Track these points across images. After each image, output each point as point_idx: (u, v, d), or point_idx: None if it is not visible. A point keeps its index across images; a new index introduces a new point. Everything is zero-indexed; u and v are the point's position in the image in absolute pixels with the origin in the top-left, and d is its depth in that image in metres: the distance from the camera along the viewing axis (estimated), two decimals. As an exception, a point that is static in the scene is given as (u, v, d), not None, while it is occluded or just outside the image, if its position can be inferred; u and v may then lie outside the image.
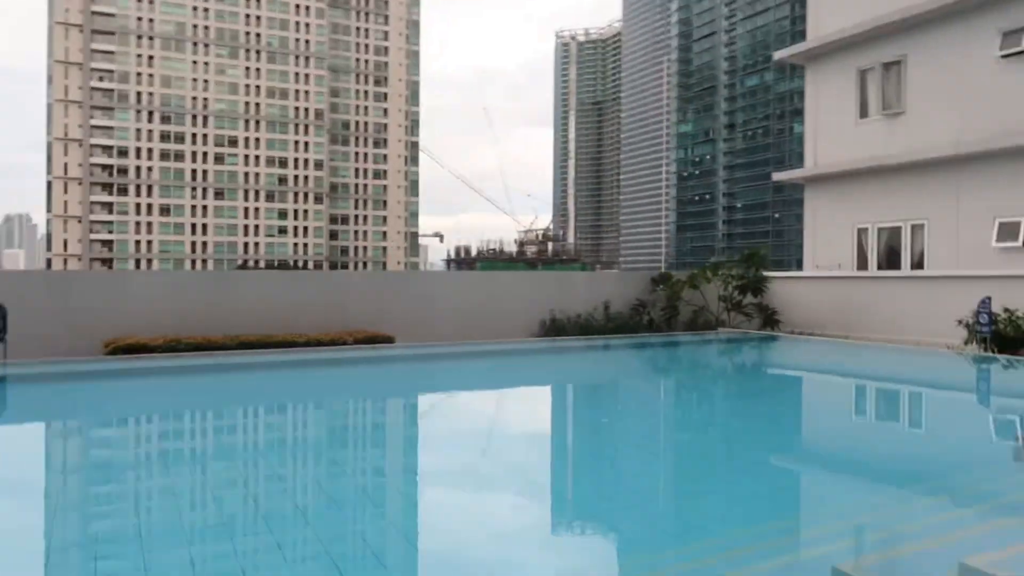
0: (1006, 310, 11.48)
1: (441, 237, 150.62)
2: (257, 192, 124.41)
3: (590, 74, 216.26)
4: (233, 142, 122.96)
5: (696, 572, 3.48)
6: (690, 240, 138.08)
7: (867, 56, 16.64)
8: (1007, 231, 13.96)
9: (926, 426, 7.72)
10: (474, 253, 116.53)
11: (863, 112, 16.88)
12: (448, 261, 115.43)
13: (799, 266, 18.73)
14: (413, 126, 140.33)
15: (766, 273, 16.13)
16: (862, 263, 16.80)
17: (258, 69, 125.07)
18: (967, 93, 14.71)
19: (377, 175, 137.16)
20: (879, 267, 16.36)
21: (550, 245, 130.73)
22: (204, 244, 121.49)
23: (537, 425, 7.68)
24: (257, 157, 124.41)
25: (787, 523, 4.28)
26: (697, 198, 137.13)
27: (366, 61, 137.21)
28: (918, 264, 15.58)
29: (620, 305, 16.01)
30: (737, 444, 6.54)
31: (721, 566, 3.48)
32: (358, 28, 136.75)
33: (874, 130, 16.56)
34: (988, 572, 2.83)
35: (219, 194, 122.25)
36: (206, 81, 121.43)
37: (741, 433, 7.07)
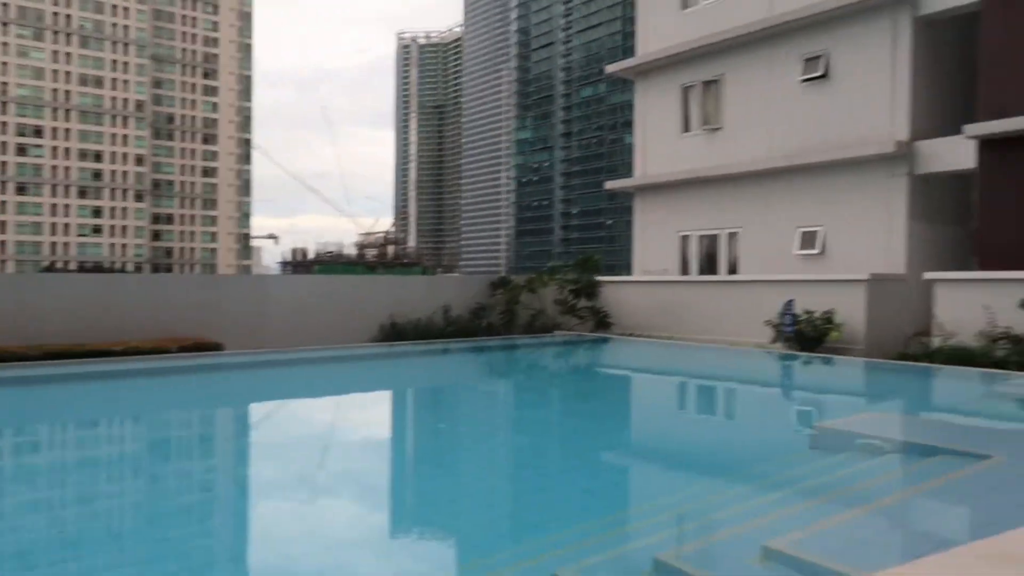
0: (807, 311, 12.64)
1: (276, 239, 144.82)
2: (67, 187, 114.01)
3: (431, 77, 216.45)
4: (38, 132, 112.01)
5: (529, 571, 3.56)
6: (529, 245, 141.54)
7: (689, 74, 17.82)
8: (807, 240, 15.41)
9: (735, 419, 8.37)
10: (311, 256, 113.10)
11: (686, 126, 18.05)
12: (283, 264, 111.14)
13: (631, 271, 19.70)
14: (245, 123, 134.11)
15: (598, 278, 16.83)
16: (685, 268, 17.95)
17: (68, 54, 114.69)
18: (775, 113, 16.10)
19: (206, 173, 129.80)
20: (700, 272, 17.54)
21: (391, 248, 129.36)
22: (3, 243, 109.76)
23: (373, 431, 7.58)
24: (67, 149, 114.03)
25: (615, 517, 4.49)
26: (536, 204, 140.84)
27: (193, 52, 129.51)
28: (733, 269, 16.85)
29: (460, 309, 16.12)
30: (569, 443, 6.78)
31: (552, 563, 3.58)
32: (184, 16, 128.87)
33: (695, 143, 17.75)
34: (788, 552, 3.10)
35: (21, 189, 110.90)
36: (5, 64, 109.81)
37: (573, 432, 7.34)
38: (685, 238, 17.99)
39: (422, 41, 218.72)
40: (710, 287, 15.28)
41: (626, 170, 20.38)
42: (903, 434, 6.33)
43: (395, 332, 14.73)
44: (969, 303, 11.03)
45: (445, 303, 15.81)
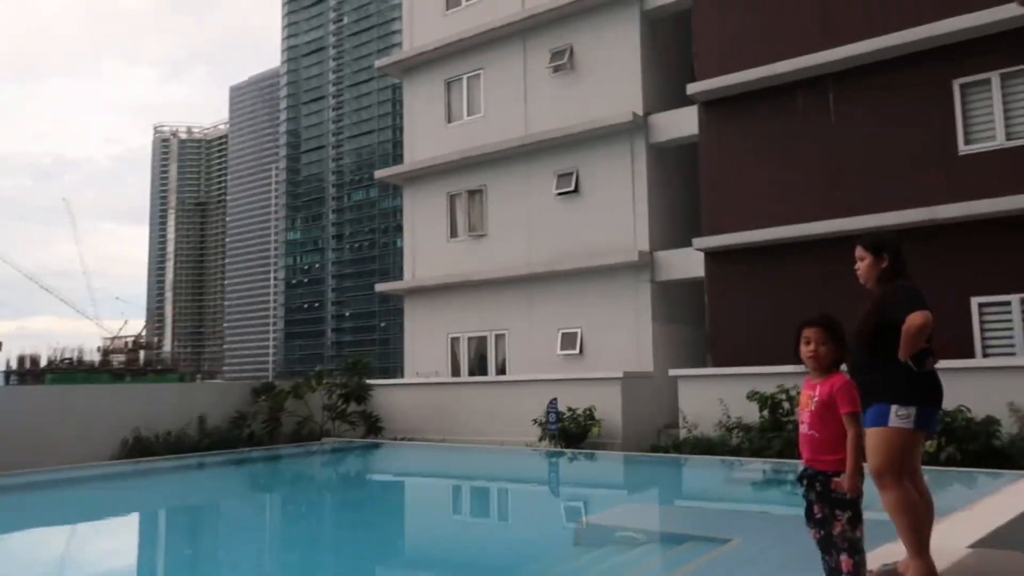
0: (570, 409, 13.24)
1: None
2: None
3: (193, 173, 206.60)
4: None
5: None
6: (299, 348, 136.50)
7: (455, 183, 18.62)
8: (568, 340, 16.34)
9: (502, 519, 8.41)
10: (44, 363, 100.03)
11: (453, 232, 18.70)
12: (7, 373, 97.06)
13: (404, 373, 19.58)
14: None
15: (369, 381, 16.52)
16: (456, 369, 18.18)
17: None
18: (534, 221, 17.21)
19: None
20: (471, 373, 17.85)
21: (142, 353, 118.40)
22: None
23: (105, 563, 6.60)
24: None
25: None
26: (306, 306, 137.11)
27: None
28: (501, 370, 17.36)
29: (218, 419, 14.95)
30: (333, 556, 6.36)
31: None
32: None
33: (463, 248, 18.40)
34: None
35: None
36: None
37: (338, 544, 6.92)
38: (455, 340, 18.32)
39: (183, 136, 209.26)
40: (479, 388, 15.56)
41: (398, 273, 20.58)
42: (657, 524, 6.70)
43: (140, 447, 13.27)
44: (707, 396, 12.19)
45: (201, 413, 14.59)
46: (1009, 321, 11.28)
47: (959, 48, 11.97)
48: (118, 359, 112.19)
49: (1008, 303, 11.31)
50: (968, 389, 9.67)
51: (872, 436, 3.63)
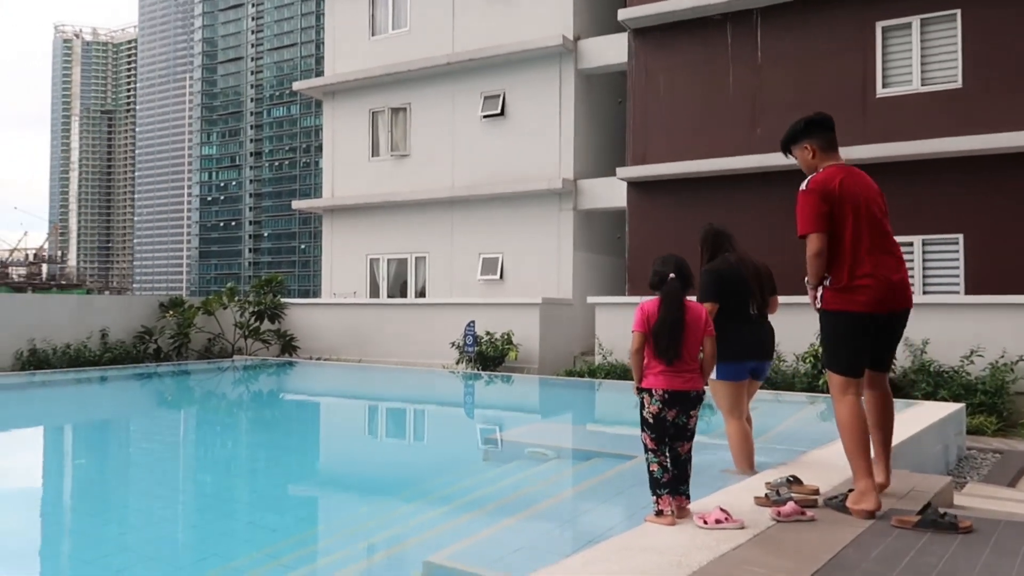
0: (488, 333, 13.29)
1: None
2: None
3: (99, 79, 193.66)
4: None
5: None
6: (215, 267, 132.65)
7: (378, 99, 17.99)
8: (489, 265, 16.29)
9: (415, 439, 8.43)
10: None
11: (375, 151, 18.16)
12: None
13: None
14: None
15: (284, 300, 16.15)
16: (375, 291, 17.95)
17: None
18: (459, 144, 16.86)
19: None
20: (390, 295, 17.66)
21: (44, 267, 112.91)
22: None
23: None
24: None
25: (275, 548, 4.15)
26: (222, 224, 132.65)
27: None
28: (421, 292, 17.23)
29: (121, 333, 14.40)
30: (238, 475, 6.24)
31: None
32: None
33: (384, 168, 17.92)
34: (447, 565, 3.06)
35: None
36: None
37: (243, 462, 6.79)
38: (374, 261, 18.02)
39: (88, 37, 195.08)
40: (398, 310, 15.42)
41: (319, 194, 19.96)
42: (567, 442, 6.81)
43: (35, 360, 12.67)
44: (623, 325, 12.41)
45: (102, 327, 14.01)
46: (911, 261, 11.79)
47: (885, -11, 12.09)
48: (18, 272, 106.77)
49: (911, 243, 11.80)
50: (867, 323, 10.10)
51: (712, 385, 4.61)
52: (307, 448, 7.76)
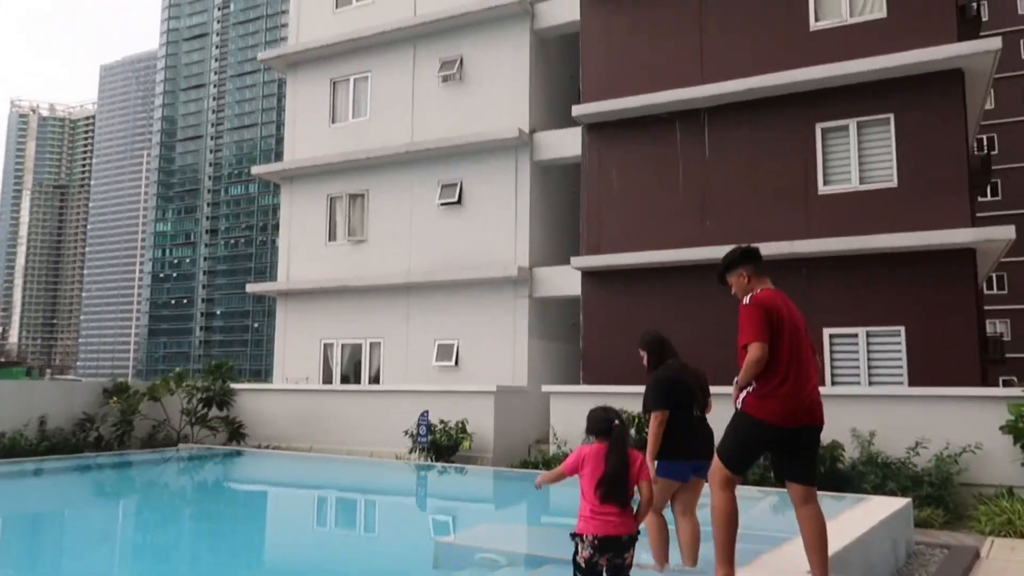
0: (442, 421, 13.11)
1: None
2: None
3: (54, 153, 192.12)
4: None
5: None
6: (164, 346, 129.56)
7: (337, 185, 18.16)
8: (444, 351, 16.22)
9: (363, 535, 8.19)
10: None
11: (332, 235, 18.21)
12: None
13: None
14: None
15: (233, 385, 15.79)
16: (328, 376, 17.67)
17: None
18: (416, 230, 17.01)
19: None
20: (344, 381, 17.40)
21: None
22: None
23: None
24: None
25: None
26: (173, 302, 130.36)
27: None
28: (375, 379, 17.02)
29: (62, 420, 13.85)
30: (182, 571, 5.97)
31: None
32: None
33: (341, 253, 17.94)
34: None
35: None
36: None
37: (186, 558, 6.50)
38: (328, 346, 17.82)
39: (44, 112, 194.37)
40: (350, 396, 15.18)
41: (275, 273, 19.84)
42: (518, 545, 6.68)
43: (-33, 451, 12.09)
44: (578, 413, 12.31)
45: (41, 414, 13.49)
46: (856, 352, 12.11)
47: (822, 95, 12.81)
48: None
49: (855, 335, 12.14)
50: (816, 414, 10.28)
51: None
52: (250, 543, 7.47)
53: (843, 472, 9.78)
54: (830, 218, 12.53)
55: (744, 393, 4.36)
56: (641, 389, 5.24)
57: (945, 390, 10.23)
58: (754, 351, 4.24)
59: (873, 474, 9.62)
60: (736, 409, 4.44)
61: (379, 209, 17.57)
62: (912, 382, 11.55)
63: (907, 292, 11.91)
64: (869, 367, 12.06)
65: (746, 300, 4.42)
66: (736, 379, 4.40)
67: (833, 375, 12.21)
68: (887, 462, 9.82)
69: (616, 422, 3.83)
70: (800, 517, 4.40)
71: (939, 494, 9.29)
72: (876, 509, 7.05)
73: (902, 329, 11.87)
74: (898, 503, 7.55)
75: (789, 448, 4.34)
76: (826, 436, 9.85)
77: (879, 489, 9.29)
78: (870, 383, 11.93)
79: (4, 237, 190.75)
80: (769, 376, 4.26)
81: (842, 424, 10.25)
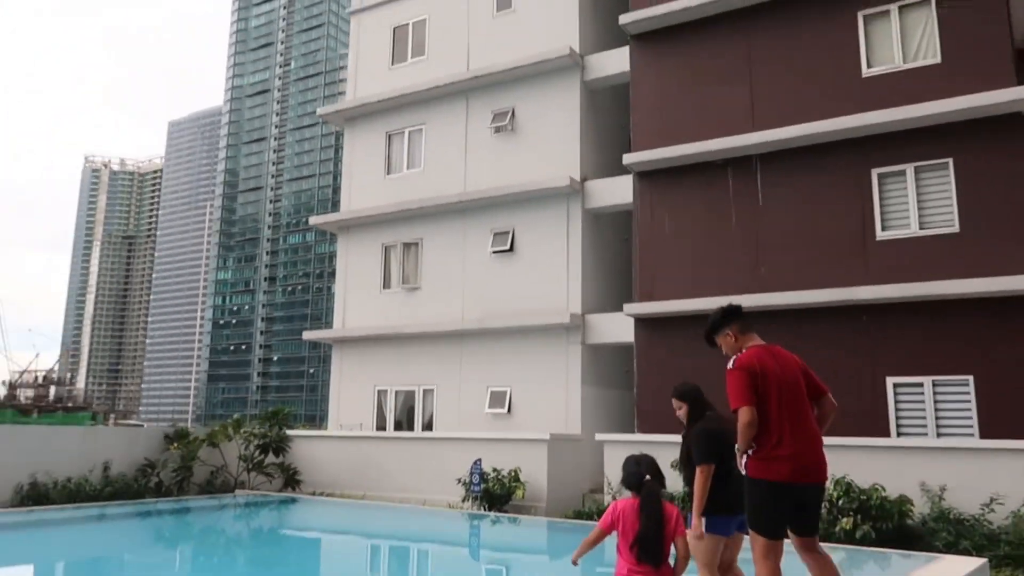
0: (495, 470, 13.02)
1: None
2: None
3: (123, 205, 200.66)
4: None
5: None
6: (223, 391, 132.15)
7: (391, 234, 18.51)
8: (496, 399, 16.20)
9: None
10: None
11: (387, 283, 18.51)
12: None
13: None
14: None
15: (289, 432, 15.99)
16: (381, 423, 17.78)
17: None
18: (469, 278, 17.18)
19: None
20: (397, 427, 17.48)
21: (52, 389, 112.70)
22: None
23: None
24: None
25: None
26: (232, 348, 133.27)
27: None
28: (428, 426, 17.05)
29: (124, 466, 14.20)
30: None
31: None
32: None
33: (396, 300, 18.20)
34: None
35: None
36: None
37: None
38: (382, 393, 17.97)
39: (115, 167, 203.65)
40: (404, 444, 15.21)
41: (331, 319, 20.23)
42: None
43: (35, 495, 12.46)
44: (631, 463, 12.19)
45: (105, 459, 13.85)
46: (922, 402, 11.68)
47: (877, 140, 12.63)
48: (26, 394, 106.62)
49: (921, 384, 11.73)
50: (883, 467, 9.92)
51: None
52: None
53: (913, 528, 9.37)
54: (889, 264, 12.24)
55: (745, 459, 4.42)
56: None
57: (1021, 443, 9.76)
58: (743, 416, 4.30)
59: (945, 531, 9.18)
60: (743, 475, 4.49)
61: (432, 257, 17.82)
62: (983, 434, 11.07)
63: (974, 340, 11.49)
64: (936, 418, 11.61)
65: (729, 365, 4.48)
66: (737, 446, 4.47)
67: (899, 426, 11.78)
68: (960, 518, 9.38)
69: (648, 477, 3.77)
70: (807, 560, 4.43)
71: (1018, 553, 8.80)
72: (950, 569, 6.72)
73: (971, 378, 11.43)
74: (974, 563, 7.19)
75: (796, 504, 4.35)
76: (894, 489, 9.53)
77: (952, 547, 8.85)
78: (938, 435, 11.47)
79: (75, 287, 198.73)
80: (762, 439, 4.33)
81: (909, 477, 9.85)
